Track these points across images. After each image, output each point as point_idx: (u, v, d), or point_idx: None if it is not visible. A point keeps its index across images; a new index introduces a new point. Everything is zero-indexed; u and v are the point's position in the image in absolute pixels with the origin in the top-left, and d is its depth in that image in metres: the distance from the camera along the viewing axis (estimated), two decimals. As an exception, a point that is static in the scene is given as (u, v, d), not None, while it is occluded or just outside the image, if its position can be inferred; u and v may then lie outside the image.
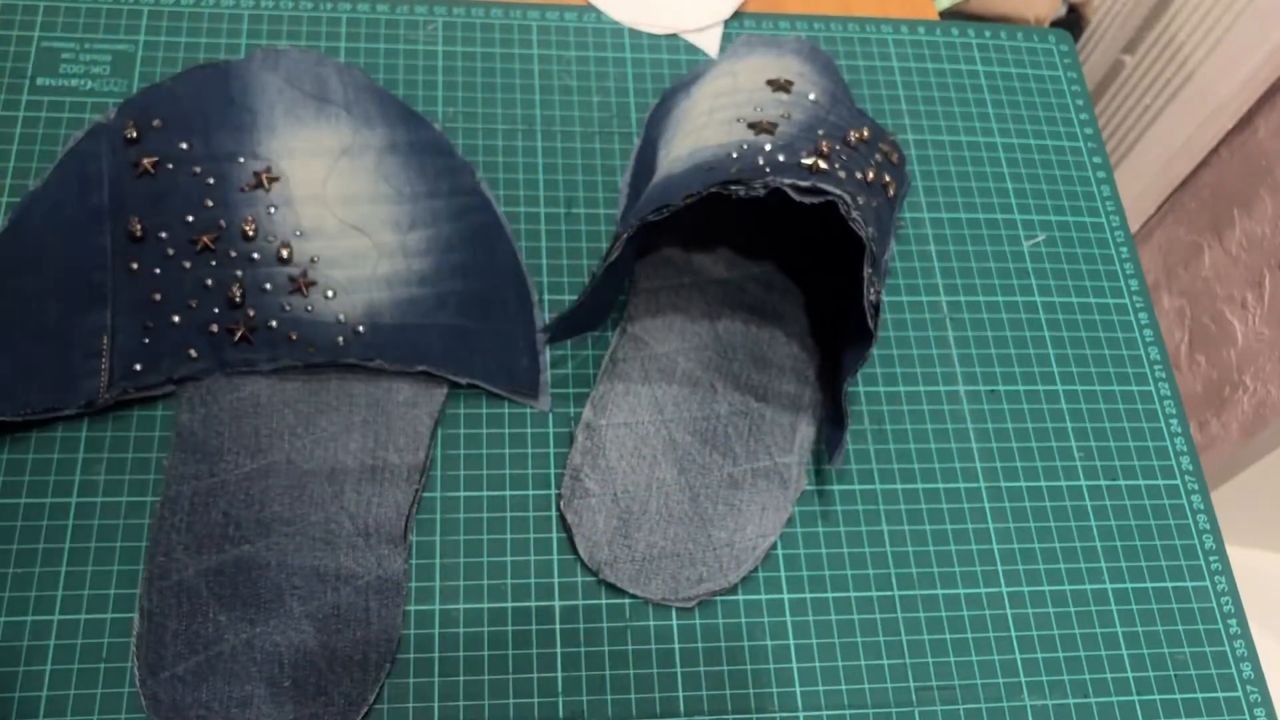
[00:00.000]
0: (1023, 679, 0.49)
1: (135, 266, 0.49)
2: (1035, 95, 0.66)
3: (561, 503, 0.49)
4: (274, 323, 0.48)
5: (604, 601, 0.48)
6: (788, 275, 0.57)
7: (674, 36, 0.64)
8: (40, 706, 0.43)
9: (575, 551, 0.49)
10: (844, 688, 0.48)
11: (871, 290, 0.46)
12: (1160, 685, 0.50)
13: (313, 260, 0.49)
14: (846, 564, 0.50)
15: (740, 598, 0.49)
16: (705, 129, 0.51)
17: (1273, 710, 0.50)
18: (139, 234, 0.49)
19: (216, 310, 0.48)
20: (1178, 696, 0.49)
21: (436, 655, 0.46)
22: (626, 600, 0.48)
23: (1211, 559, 0.53)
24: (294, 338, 0.47)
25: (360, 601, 0.44)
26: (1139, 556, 0.53)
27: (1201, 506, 0.54)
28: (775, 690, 0.47)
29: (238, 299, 0.48)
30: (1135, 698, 0.49)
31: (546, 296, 0.55)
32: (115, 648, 0.44)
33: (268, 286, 0.48)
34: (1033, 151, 0.64)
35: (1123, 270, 0.61)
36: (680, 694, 0.47)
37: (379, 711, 0.45)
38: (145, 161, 0.51)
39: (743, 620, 0.49)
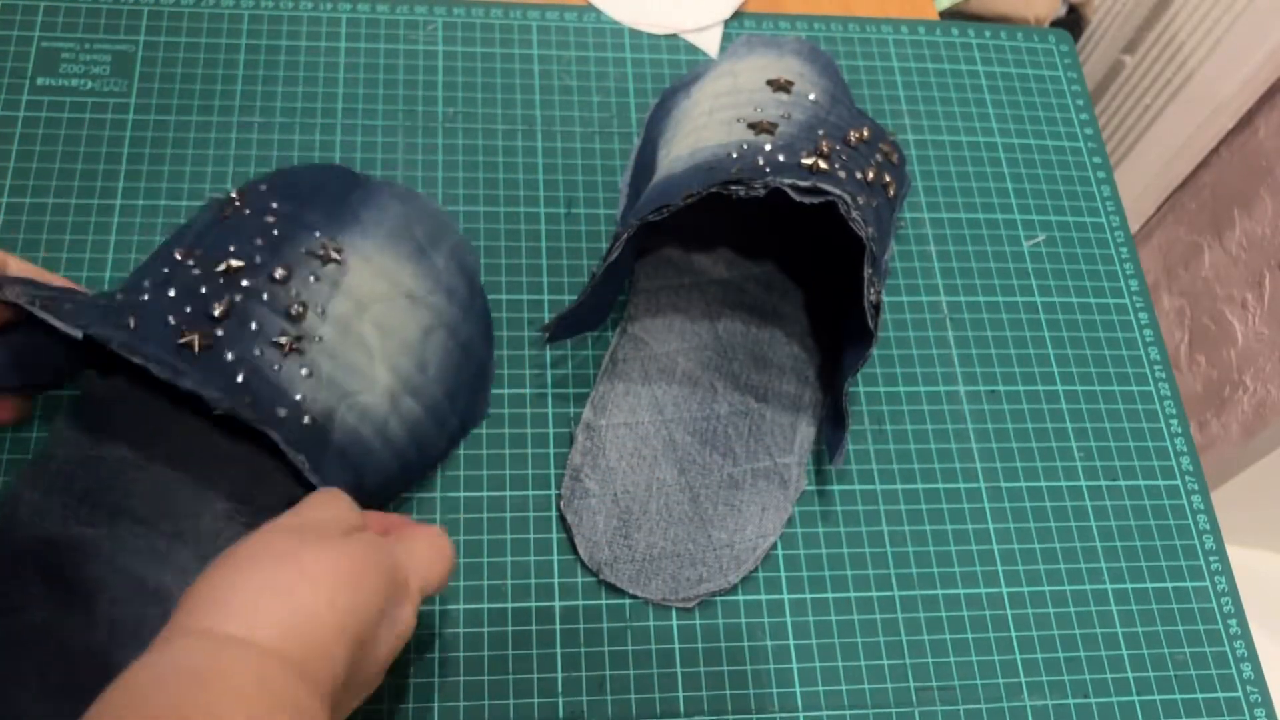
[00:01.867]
0: (1023, 679, 0.49)
1: (151, 276, 0.45)
2: (1035, 95, 0.66)
3: (561, 503, 0.49)
4: (231, 356, 0.42)
5: (604, 601, 0.48)
6: (788, 275, 0.57)
7: (674, 36, 0.64)
8: (40, 706, 0.43)
9: (575, 551, 0.49)
10: (844, 688, 0.48)
11: (872, 290, 0.46)
12: (1160, 685, 0.50)
13: (316, 339, 0.44)
14: (846, 564, 0.50)
15: (740, 598, 0.49)
16: (705, 129, 0.51)
17: (1273, 710, 0.50)
18: (179, 257, 0.45)
19: (189, 310, 0.42)
20: (1178, 696, 0.49)
21: (436, 655, 0.46)
22: (626, 600, 0.48)
23: (1211, 559, 0.53)
24: (239, 380, 0.41)
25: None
26: (1139, 556, 0.53)
27: (1201, 506, 0.54)
28: (775, 690, 0.47)
29: (216, 314, 0.42)
30: (1135, 698, 0.49)
31: (547, 296, 0.55)
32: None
33: (254, 326, 0.43)
34: (1033, 151, 0.64)
35: (1123, 270, 0.61)
36: (680, 694, 0.47)
37: (379, 712, 0.45)
38: (229, 209, 0.48)
39: (743, 620, 0.49)
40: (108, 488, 0.44)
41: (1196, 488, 0.55)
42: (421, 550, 0.39)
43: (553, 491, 0.50)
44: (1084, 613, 0.51)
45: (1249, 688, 0.50)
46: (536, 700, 0.46)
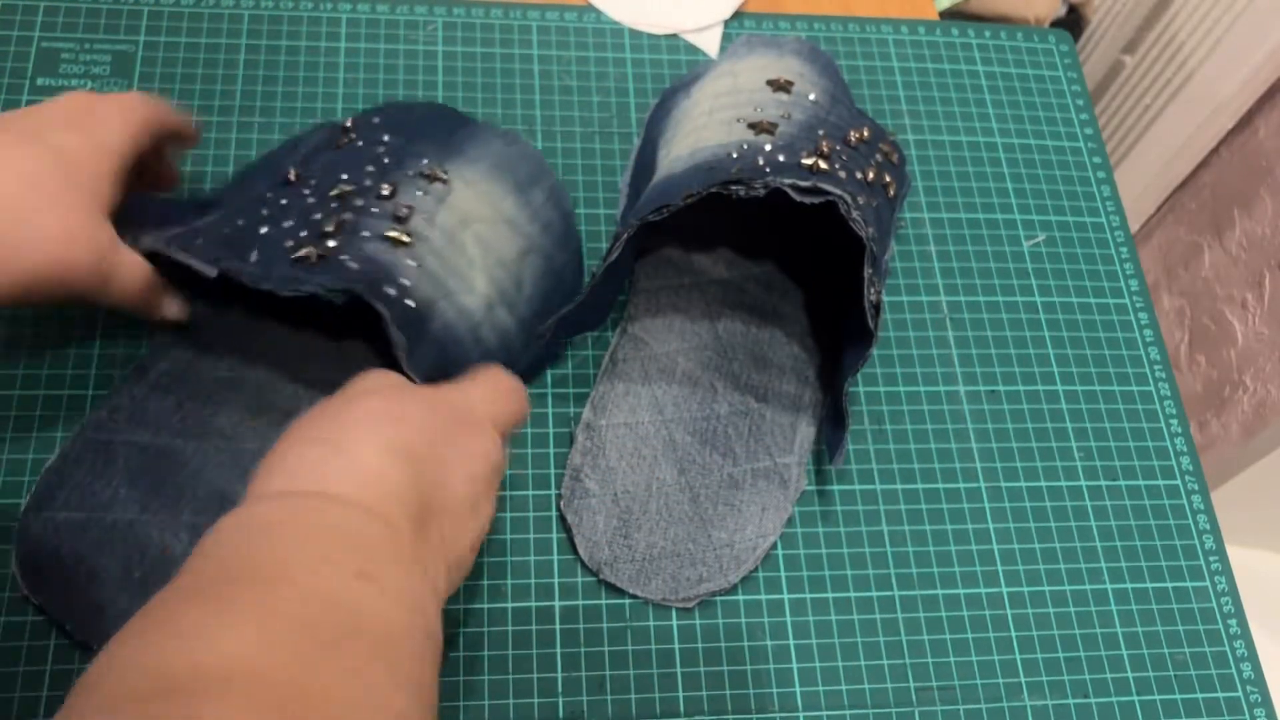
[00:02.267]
0: (1023, 679, 0.49)
1: (268, 197, 0.48)
2: (1035, 95, 0.66)
3: (561, 503, 0.49)
4: (345, 257, 0.44)
5: (604, 601, 0.48)
6: (788, 275, 0.57)
7: (674, 36, 0.64)
8: (40, 706, 0.43)
9: (575, 551, 0.49)
10: (844, 688, 0.48)
11: (872, 290, 0.46)
12: (1160, 685, 0.50)
13: (423, 238, 0.46)
14: (846, 564, 0.50)
15: (740, 598, 0.49)
16: (705, 129, 0.51)
17: (1273, 710, 0.50)
18: (292, 178, 0.48)
19: (304, 235, 0.45)
20: (1178, 696, 0.49)
21: (436, 655, 0.46)
22: (626, 600, 0.48)
23: (1211, 559, 0.53)
24: (353, 268, 0.44)
25: None
26: (1139, 556, 0.53)
27: (1201, 506, 0.54)
28: (775, 690, 0.47)
29: (330, 230, 0.45)
30: (1135, 698, 0.49)
31: (546, 296, 0.55)
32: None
33: (365, 233, 0.45)
34: (1033, 151, 0.64)
35: (1123, 270, 0.61)
36: (680, 694, 0.47)
37: (379, 711, 0.45)
38: (344, 139, 0.51)
39: (743, 620, 0.49)
40: (203, 402, 0.48)
41: (1196, 488, 0.55)
42: (481, 387, 0.41)
43: (553, 491, 0.50)
44: (1084, 613, 0.51)
45: (1249, 688, 0.50)
46: (536, 700, 0.46)
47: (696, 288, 0.56)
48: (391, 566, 0.31)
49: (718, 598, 0.49)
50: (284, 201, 0.47)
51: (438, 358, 0.45)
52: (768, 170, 0.46)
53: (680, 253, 0.56)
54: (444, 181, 0.49)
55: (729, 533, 0.49)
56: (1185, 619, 0.51)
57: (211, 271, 0.43)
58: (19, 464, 0.47)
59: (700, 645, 0.48)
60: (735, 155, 0.48)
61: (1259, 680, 0.50)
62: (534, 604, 0.48)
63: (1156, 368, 0.58)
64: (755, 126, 0.49)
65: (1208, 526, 0.54)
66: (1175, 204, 1.01)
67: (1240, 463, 0.90)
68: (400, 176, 0.48)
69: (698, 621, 0.48)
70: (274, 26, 0.60)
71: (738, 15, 0.65)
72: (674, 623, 0.48)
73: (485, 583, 0.48)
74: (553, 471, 0.51)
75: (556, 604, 0.48)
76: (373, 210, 0.46)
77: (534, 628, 0.47)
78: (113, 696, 0.24)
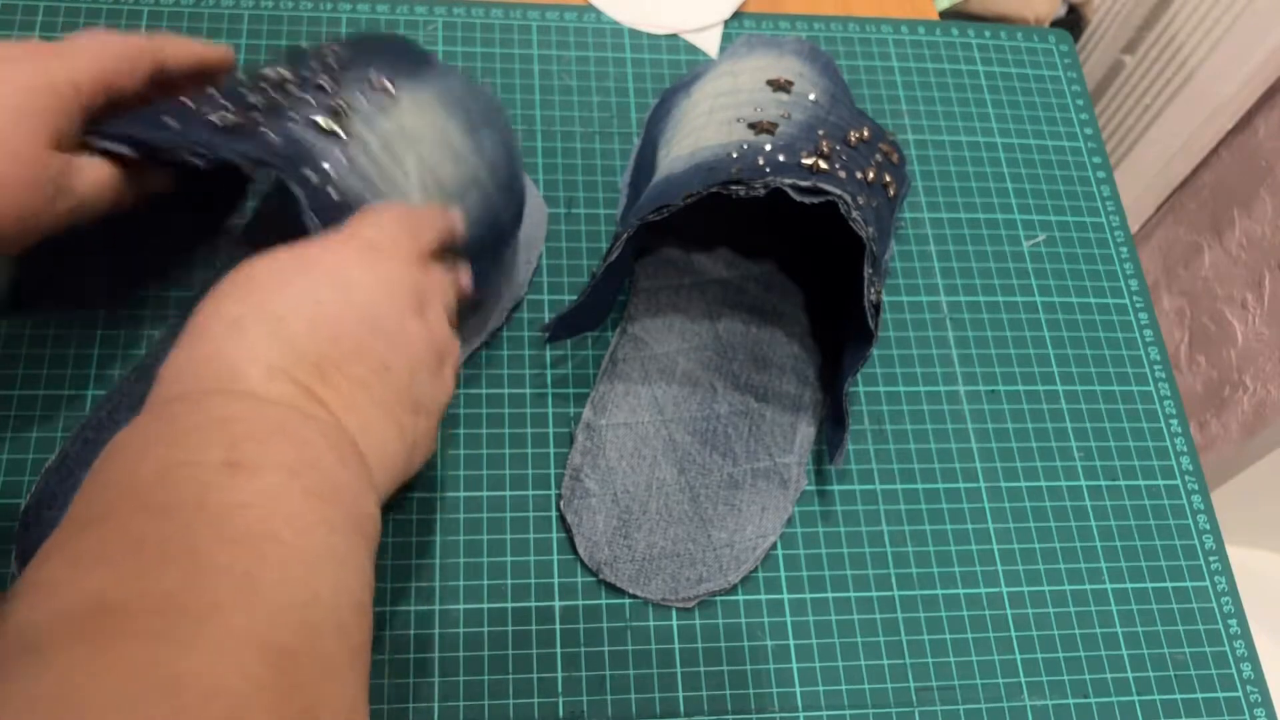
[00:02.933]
0: (1023, 679, 0.49)
1: (207, 92, 0.44)
2: (1035, 95, 0.66)
3: (561, 503, 0.49)
4: (267, 130, 0.42)
5: (604, 601, 0.48)
6: (788, 275, 0.57)
7: (674, 36, 0.64)
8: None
9: (575, 551, 0.49)
10: (844, 688, 0.48)
11: (872, 290, 0.46)
12: (1160, 685, 0.50)
13: (357, 139, 0.43)
14: (846, 564, 0.50)
15: (740, 598, 0.49)
16: (705, 129, 0.51)
17: (1273, 710, 0.50)
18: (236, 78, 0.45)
19: (229, 105, 0.43)
20: (1178, 696, 0.49)
21: (436, 655, 0.46)
22: (626, 600, 0.48)
23: (1211, 559, 0.53)
24: (275, 142, 0.41)
25: None
26: (1139, 556, 0.53)
27: (1201, 506, 0.54)
28: (775, 690, 0.47)
29: (257, 104, 0.43)
30: (1135, 698, 0.49)
31: (546, 296, 0.55)
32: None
33: (293, 112, 0.43)
34: (1033, 151, 0.64)
35: (1123, 270, 0.61)
36: (680, 694, 0.47)
37: (379, 713, 0.45)
38: (294, 52, 0.48)
39: (743, 620, 0.49)
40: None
41: (1196, 488, 0.55)
42: (372, 220, 0.40)
43: (553, 491, 0.50)
44: (1084, 613, 0.51)
45: (1249, 688, 0.50)
46: (536, 700, 0.46)
47: (696, 288, 0.56)
48: (273, 445, 0.29)
49: (718, 598, 0.49)
50: (216, 90, 0.44)
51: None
52: (768, 170, 0.46)
53: (680, 253, 0.56)
54: (391, 95, 0.46)
55: (729, 533, 0.49)
56: (1185, 619, 0.51)
57: (127, 150, 0.41)
58: (19, 464, 0.47)
59: (700, 645, 0.48)
60: (735, 155, 0.48)
61: (1259, 680, 0.50)
62: (534, 604, 0.48)
63: (1156, 368, 0.58)
64: (755, 126, 0.49)
65: (1208, 526, 0.54)
66: (1175, 204, 1.01)
67: (1240, 463, 0.90)
68: (345, 77, 0.45)
69: (698, 621, 0.48)
70: (274, 26, 0.60)
71: (738, 15, 0.65)
72: (674, 623, 0.48)
73: (485, 583, 0.48)
74: (553, 471, 0.51)
75: (556, 604, 0.48)
76: (307, 99, 0.43)
77: (534, 628, 0.47)
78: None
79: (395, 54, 0.50)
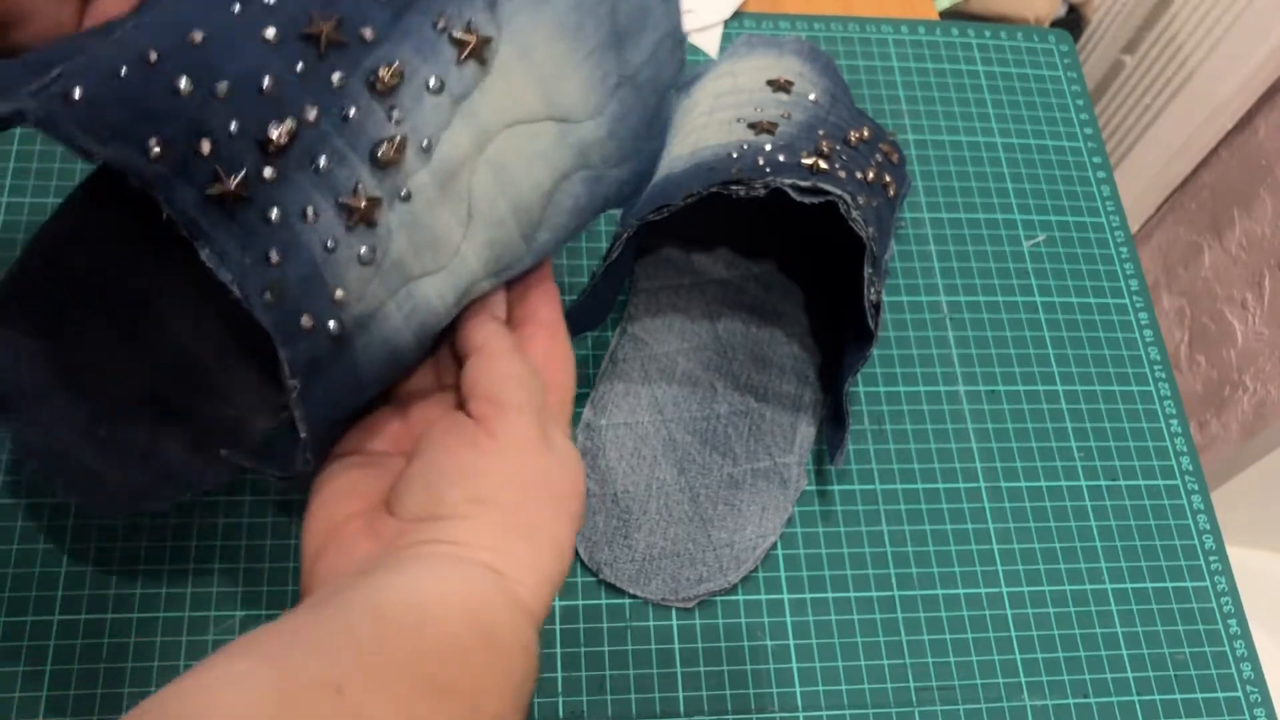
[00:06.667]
0: (1023, 679, 0.49)
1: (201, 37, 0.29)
2: (1035, 95, 0.66)
3: (561, 503, 0.49)
4: (275, 214, 0.28)
5: (604, 601, 0.48)
6: (788, 275, 0.57)
7: (674, 36, 0.64)
8: (40, 706, 0.43)
9: (575, 551, 0.49)
10: (844, 688, 0.48)
11: (872, 290, 0.46)
12: (1160, 685, 0.50)
13: (400, 196, 0.30)
14: (846, 564, 0.50)
15: (740, 598, 0.49)
16: (705, 129, 0.51)
17: (1273, 710, 0.50)
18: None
19: (235, 128, 0.28)
20: (1178, 696, 0.49)
21: (436, 655, 0.46)
22: (626, 600, 0.48)
23: (1211, 559, 0.53)
24: (270, 258, 0.28)
25: None
26: (1139, 556, 0.53)
27: (1201, 506, 0.54)
28: (775, 690, 0.47)
29: (274, 138, 0.28)
30: (1135, 698, 0.49)
31: (546, 296, 0.55)
32: (115, 648, 0.44)
33: (321, 165, 0.29)
34: (1033, 151, 0.64)
35: (1123, 270, 0.61)
36: (680, 694, 0.47)
37: (379, 711, 0.45)
38: None
39: (743, 620, 0.49)
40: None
41: (1196, 488, 0.55)
42: (516, 388, 0.32)
43: (553, 491, 0.50)
44: (1084, 613, 0.51)
45: (1249, 688, 0.50)
46: (536, 700, 0.46)
47: (696, 288, 0.56)
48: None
49: (718, 598, 0.49)
50: (214, 35, 0.28)
51: (340, 394, 0.31)
52: (768, 170, 0.46)
53: (680, 253, 0.56)
54: (480, 60, 0.30)
55: (729, 533, 0.49)
56: (1185, 619, 0.51)
57: (97, 155, 0.27)
58: (19, 464, 0.47)
59: (700, 645, 0.48)
60: (735, 155, 0.48)
61: (1259, 680, 0.50)
62: (534, 604, 0.48)
63: (1156, 368, 0.58)
64: (755, 126, 0.49)
65: (1208, 526, 0.54)
66: (1175, 204, 1.01)
67: (1240, 463, 0.90)
68: (417, 32, 0.30)
69: (698, 621, 0.48)
70: None
71: (738, 15, 0.65)
72: (674, 623, 0.48)
73: (485, 583, 0.48)
74: (553, 471, 0.51)
75: (557, 604, 0.48)
76: (349, 114, 0.29)
77: (534, 628, 0.47)
78: None
79: None
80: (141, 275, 0.33)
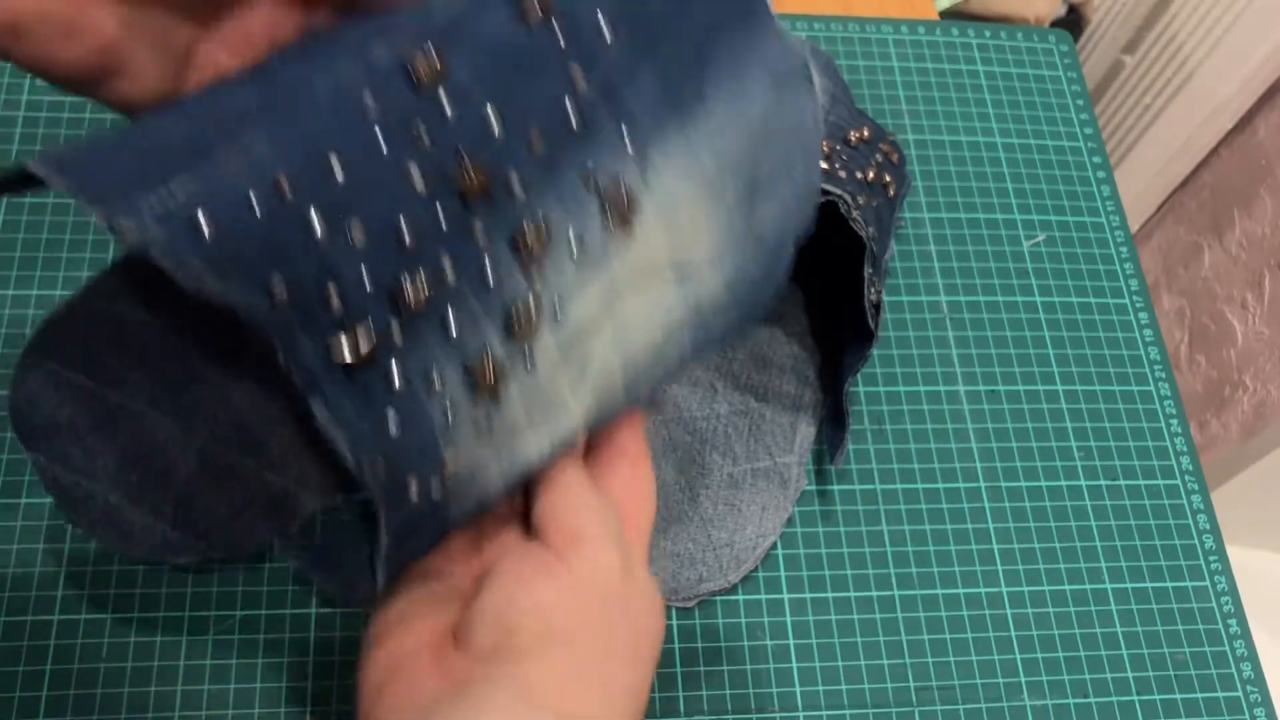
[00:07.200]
0: (1023, 679, 0.49)
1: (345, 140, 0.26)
2: (1035, 95, 0.66)
3: (561, 503, 0.49)
4: (398, 379, 0.26)
5: (604, 601, 0.48)
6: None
7: (674, 36, 0.64)
8: (40, 706, 0.43)
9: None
10: (844, 688, 0.48)
11: (872, 290, 0.46)
12: (1160, 685, 0.50)
13: (525, 365, 0.28)
14: (846, 564, 0.50)
15: (740, 598, 0.49)
16: (705, 129, 0.51)
17: (1273, 710, 0.50)
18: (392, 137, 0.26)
19: (367, 275, 0.26)
20: (1178, 696, 0.49)
21: (436, 655, 0.46)
22: (626, 600, 0.48)
23: (1211, 559, 0.53)
24: (390, 430, 0.27)
25: None
26: (1139, 556, 0.53)
27: (1201, 506, 0.54)
28: (775, 690, 0.47)
29: (409, 301, 0.26)
30: (1135, 698, 0.49)
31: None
32: (115, 647, 0.44)
33: (452, 333, 0.27)
34: (1033, 151, 0.64)
35: (1123, 270, 0.61)
36: (680, 694, 0.47)
37: (379, 711, 0.45)
38: (522, 25, 0.27)
39: (743, 620, 0.49)
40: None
41: (1196, 488, 0.55)
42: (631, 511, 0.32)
43: (553, 491, 0.50)
44: (1084, 613, 0.51)
45: (1249, 688, 0.50)
46: (536, 700, 0.46)
47: (696, 288, 0.56)
48: None
49: (718, 598, 0.49)
50: (356, 172, 0.25)
51: (435, 539, 0.30)
52: (768, 170, 0.46)
53: (680, 253, 0.56)
54: (626, 220, 0.28)
55: (729, 533, 0.49)
56: (1185, 619, 0.51)
57: (214, 292, 0.24)
58: (18, 463, 0.47)
59: (700, 645, 0.48)
60: (735, 155, 0.47)
61: (1259, 680, 0.50)
62: (534, 604, 0.48)
63: (1156, 368, 0.58)
64: (755, 126, 0.49)
65: (1208, 526, 0.54)
66: (1175, 204, 1.01)
67: (1240, 463, 0.90)
68: (564, 194, 0.27)
69: (698, 621, 0.48)
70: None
71: (738, 15, 0.65)
72: (674, 623, 0.48)
73: (485, 583, 0.48)
74: (553, 471, 0.51)
75: (556, 604, 0.48)
76: (487, 277, 0.27)
77: (534, 628, 0.47)
78: None
79: (678, 24, 0.29)
80: (199, 329, 0.30)
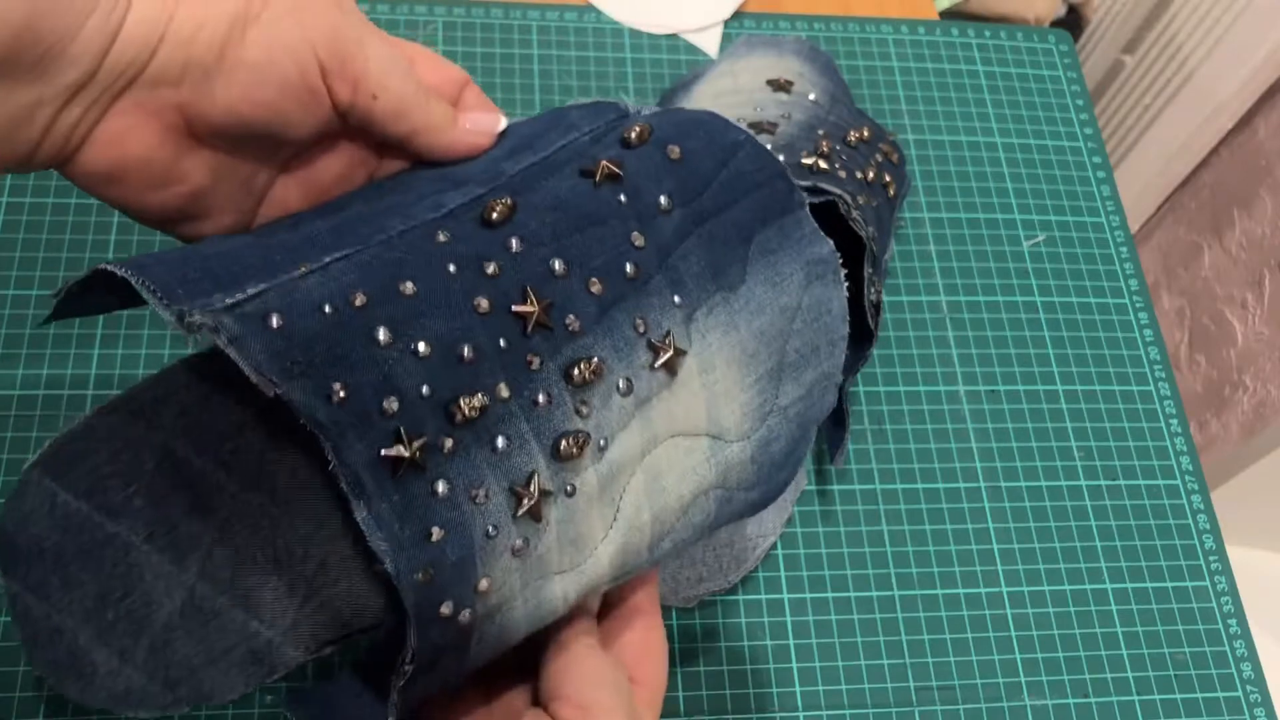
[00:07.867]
0: (1023, 679, 0.49)
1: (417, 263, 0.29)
2: (1035, 95, 0.66)
3: (561, 503, 0.49)
4: (442, 488, 0.27)
5: (604, 601, 0.48)
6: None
7: (674, 36, 0.64)
8: (40, 707, 0.43)
9: None
10: (844, 688, 0.48)
11: (872, 290, 0.46)
12: (1160, 685, 0.50)
13: (565, 492, 0.29)
14: (846, 564, 0.50)
15: (740, 598, 0.49)
16: (705, 129, 0.51)
17: (1273, 710, 0.50)
18: (462, 265, 0.29)
19: (425, 392, 0.27)
20: (1178, 696, 0.49)
21: (436, 655, 0.46)
22: (626, 600, 0.48)
23: (1211, 559, 0.53)
24: (431, 537, 0.27)
25: None
26: (1139, 556, 0.53)
27: (1201, 506, 0.54)
28: (775, 690, 0.47)
29: (457, 416, 0.27)
30: (1135, 698, 0.49)
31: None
32: (115, 648, 0.44)
33: (499, 445, 0.28)
34: (1033, 151, 0.64)
35: (1123, 270, 0.61)
36: (680, 694, 0.47)
37: (379, 711, 0.44)
38: (601, 175, 0.31)
39: (743, 620, 0.49)
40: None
41: (1196, 488, 0.55)
42: (603, 689, 0.31)
43: (553, 491, 0.50)
44: (1084, 613, 0.51)
45: (1249, 688, 0.50)
46: (536, 700, 0.46)
47: (696, 288, 0.56)
48: None
49: (718, 598, 0.49)
50: (426, 291, 0.28)
51: (452, 676, 0.30)
52: (768, 170, 0.46)
53: (680, 253, 0.56)
54: (672, 370, 0.31)
55: (729, 533, 0.49)
56: (1185, 619, 0.51)
57: (268, 391, 0.25)
58: (18, 464, 0.47)
59: (700, 645, 0.48)
60: (735, 155, 0.47)
61: (1259, 680, 0.50)
62: (534, 604, 0.48)
63: (1156, 368, 0.58)
64: (755, 126, 0.49)
65: (1208, 526, 0.54)
66: (1175, 204, 1.01)
67: (1240, 463, 0.90)
68: (617, 338, 0.30)
69: (698, 621, 0.48)
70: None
71: (738, 15, 0.65)
72: (674, 623, 0.48)
73: (485, 583, 0.48)
74: (553, 471, 0.51)
75: (556, 604, 0.48)
76: (536, 402, 0.29)
77: (534, 628, 0.47)
78: None
79: (742, 198, 0.33)
80: (219, 454, 0.30)
